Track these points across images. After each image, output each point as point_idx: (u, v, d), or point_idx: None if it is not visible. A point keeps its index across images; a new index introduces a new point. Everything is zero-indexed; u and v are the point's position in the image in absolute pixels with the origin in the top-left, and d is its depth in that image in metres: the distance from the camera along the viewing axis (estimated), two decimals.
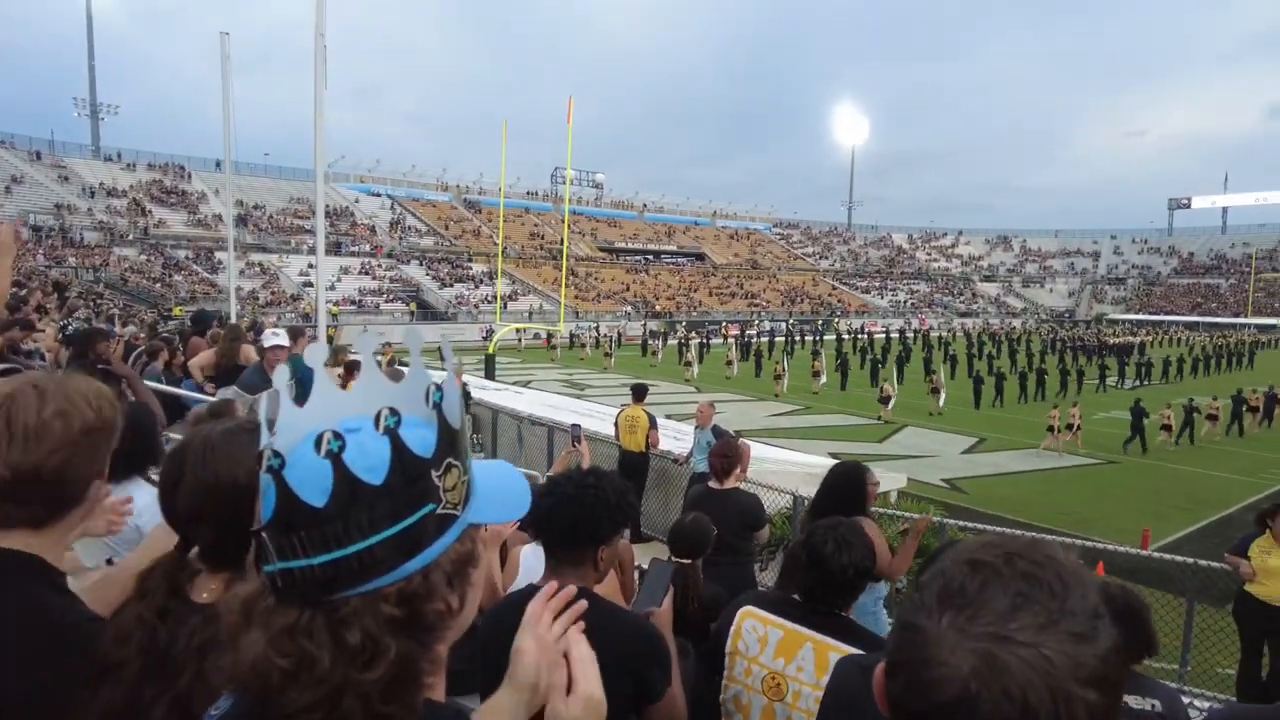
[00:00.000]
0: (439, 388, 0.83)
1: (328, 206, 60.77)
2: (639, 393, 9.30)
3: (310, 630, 0.74)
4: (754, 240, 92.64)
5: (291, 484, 0.74)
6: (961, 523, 8.14)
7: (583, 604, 1.06)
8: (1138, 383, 31.76)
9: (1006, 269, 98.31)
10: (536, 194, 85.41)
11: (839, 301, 75.29)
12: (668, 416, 19.21)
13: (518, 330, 42.06)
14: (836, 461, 3.77)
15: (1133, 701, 2.17)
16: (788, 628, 2.01)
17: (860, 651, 1.94)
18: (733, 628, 2.06)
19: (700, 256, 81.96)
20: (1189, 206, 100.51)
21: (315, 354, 0.82)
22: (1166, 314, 77.87)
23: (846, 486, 3.62)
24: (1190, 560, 6.67)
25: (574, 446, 3.98)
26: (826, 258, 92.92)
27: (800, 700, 1.94)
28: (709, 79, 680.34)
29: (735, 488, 4.44)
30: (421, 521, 0.78)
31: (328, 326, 13.97)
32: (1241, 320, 71.21)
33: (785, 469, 13.80)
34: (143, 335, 10.28)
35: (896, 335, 50.63)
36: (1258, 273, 78.41)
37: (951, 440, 19.18)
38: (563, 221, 49.87)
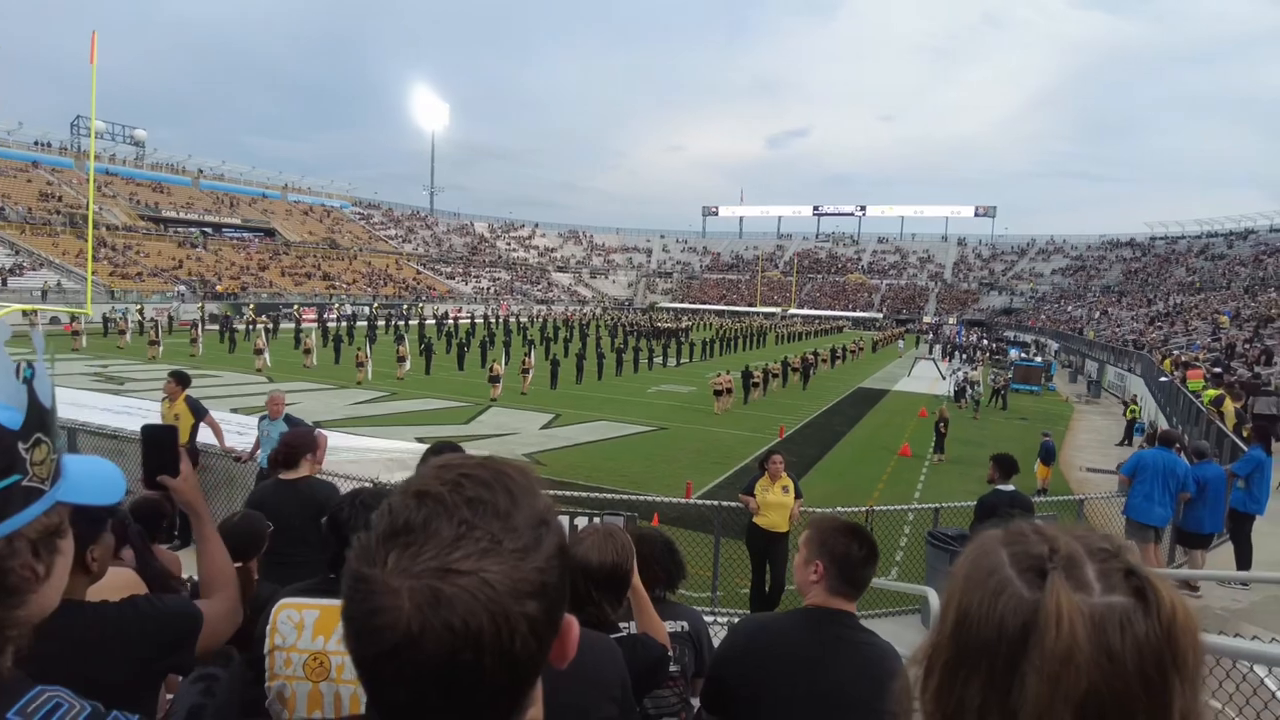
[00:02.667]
0: (30, 365, 0.86)
1: None
2: (185, 380, 8.39)
3: None
4: (332, 218, 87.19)
5: None
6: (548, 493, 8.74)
7: None
8: (684, 360, 37.19)
9: (577, 261, 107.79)
10: (50, 146, 69.44)
11: (424, 286, 74.83)
12: (233, 410, 17.25)
13: (26, 313, 33.89)
14: (433, 443, 3.70)
15: (669, 626, 2.52)
16: (324, 605, 1.94)
17: None
18: (269, 625, 1.93)
19: (270, 232, 74.54)
20: (718, 214, 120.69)
21: None
22: (702, 303, 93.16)
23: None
24: (717, 503, 8.13)
25: None
26: (410, 241, 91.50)
27: (345, 672, 1.88)
28: (283, 42, 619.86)
29: (306, 476, 4.13)
30: (5, 491, 0.80)
31: None
32: (754, 309, 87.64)
33: (365, 456, 13.38)
34: None
35: (481, 320, 52.35)
36: (763, 271, 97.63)
37: (531, 418, 20.39)
38: (88, 181, 40.99)
